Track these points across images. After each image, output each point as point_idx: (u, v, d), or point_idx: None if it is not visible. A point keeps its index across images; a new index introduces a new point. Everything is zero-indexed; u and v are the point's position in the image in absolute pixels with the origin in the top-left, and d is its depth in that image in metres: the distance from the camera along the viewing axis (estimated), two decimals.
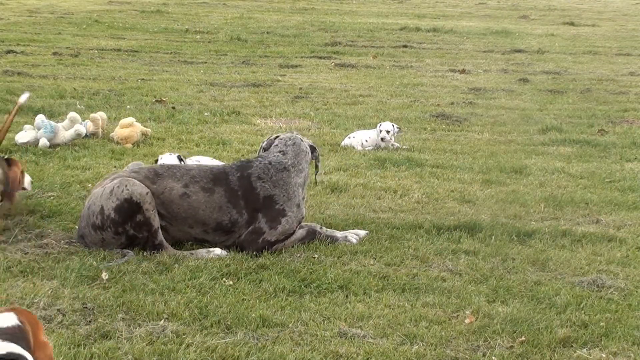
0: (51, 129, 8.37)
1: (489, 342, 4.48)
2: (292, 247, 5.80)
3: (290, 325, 4.58)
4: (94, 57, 15.23)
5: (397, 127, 9.10)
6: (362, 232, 6.09)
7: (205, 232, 5.68)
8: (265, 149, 6.03)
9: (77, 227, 5.78)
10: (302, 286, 5.12)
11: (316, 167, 6.17)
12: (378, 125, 9.12)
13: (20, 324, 2.92)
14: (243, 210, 5.69)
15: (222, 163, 6.76)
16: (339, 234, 6.00)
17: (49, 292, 4.84)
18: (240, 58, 15.78)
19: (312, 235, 5.90)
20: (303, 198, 5.94)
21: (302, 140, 6.00)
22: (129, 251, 5.51)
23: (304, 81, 13.46)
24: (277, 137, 6.06)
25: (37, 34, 18.31)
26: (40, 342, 3.00)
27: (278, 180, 5.75)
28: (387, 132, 8.93)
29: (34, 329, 2.99)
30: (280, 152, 5.88)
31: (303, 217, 5.93)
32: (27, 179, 6.24)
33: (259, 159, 5.88)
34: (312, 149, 6.08)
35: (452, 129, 10.19)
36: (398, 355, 4.30)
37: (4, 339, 2.81)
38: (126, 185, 5.47)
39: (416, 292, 5.11)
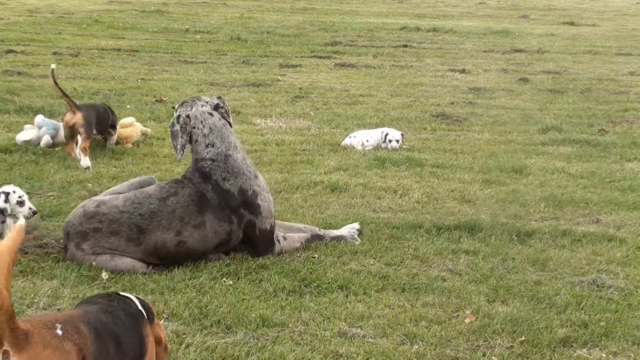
0: (53, 127, 8.40)
1: (489, 342, 4.48)
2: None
3: (290, 325, 4.58)
4: (94, 57, 15.24)
5: (402, 134, 9.11)
6: (356, 225, 6.13)
7: (205, 253, 5.58)
8: (189, 135, 5.70)
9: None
10: (302, 286, 5.12)
11: (229, 123, 5.88)
12: (382, 131, 9.08)
13: (145, 301, 3.64)
14: (232, 217, 5.61)
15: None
16: (338, 232, 6.00)
17: (49, 292, 4.84)
18: (240, 58, 15.78)
19: (316, 238, 5.90)
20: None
21: (211, 115, 5.75)
22: None
23: (304, 81, 13.46)
24: (187, 118, 5.71)
25: (37, 33, 18.31)
26: (157, 322, 3.62)
27: (233, 169, 5.66)
28: (397, 141, 8.96)
29: (153, 313, 3.65)
30: (208, 145, 5.68)
31: (263, 180, 5.90)
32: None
33: (200, 162, 5.65)
34: (217, 106, 5.81)
35: (452, 128, 10.19)
36: (398, 355, 4.30)
37: (141, 302, 3.57)
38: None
39: (416, 292, 5.11)
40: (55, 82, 8.05)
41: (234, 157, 5.70)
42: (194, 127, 5.71)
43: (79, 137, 7.87)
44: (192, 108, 5.78)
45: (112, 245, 5.33)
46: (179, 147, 5.68)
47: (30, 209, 5.58)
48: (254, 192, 5.67)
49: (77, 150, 7.87)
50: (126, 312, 3.40)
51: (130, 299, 3.54)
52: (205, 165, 5.65)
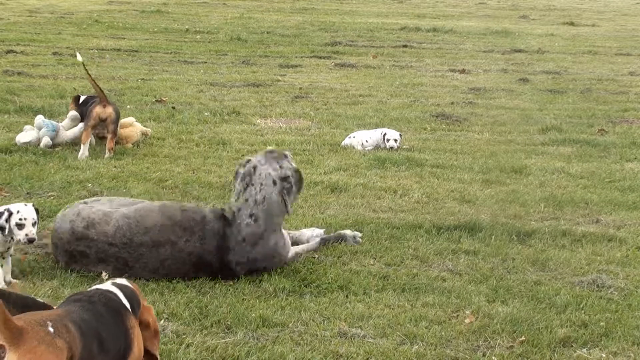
0: (53, 127, 8.40)
1: (489, 342, 4.48)
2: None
3: (290, 325, 4.58)
4: (94, 57, 15.23)
5: (400, 135, 9.12)
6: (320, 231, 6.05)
7: None
8: (246, 186, 5.37)
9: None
10: (302, 286, 5.12)
11: (285, 203, 5.42)
12: (381, 132, 9.09)
13: (132, 288, 3.67)
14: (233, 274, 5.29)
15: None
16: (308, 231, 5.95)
17: (49, 292, 4.84)
18: (240, 58, 15.78)
19: (324, 242, 5.83)
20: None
21: (274, 184, 5.37)
22: None
23: (304, 81, 13.46)
24: (253, 169, 5.38)
25: (37, 34, 18.31)
26: (145, 306, 3.67)
27: (260, 254, 5.31)
28: (395, 140, 8.96)
29: (142, 298, 3.70)
30: (251, 216, 5.31)
31: (290, 243, 5.57)
32: None
33: (233, 227, 5.28)
34: (285, 178, 5.41)
35: (452, 129, 10.19)
36: (398, 355, 4.30)
37: (124, 292, 3.59)
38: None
39: (416, 292, 5.11)
40: (88, 73, 8.30)
41: (267, 240, 5.33)
42: (252, 184, 5.38)
43: (105, 132, 8.27)
44: (265, 162, 5.42)
45: (100, 270, 5.23)
46: (234, 191, 5.43)
47: (26, 235, 4.93)
48: (267, 265, 5.37)
49: (85, 146, 8.11)
50: (107, 307, 3.42)
51: (112, 292, 3.54)
52: (232, 237, 5.27)
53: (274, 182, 5.39)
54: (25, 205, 5.02)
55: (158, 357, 3.70)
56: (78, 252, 5.23)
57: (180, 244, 5.20)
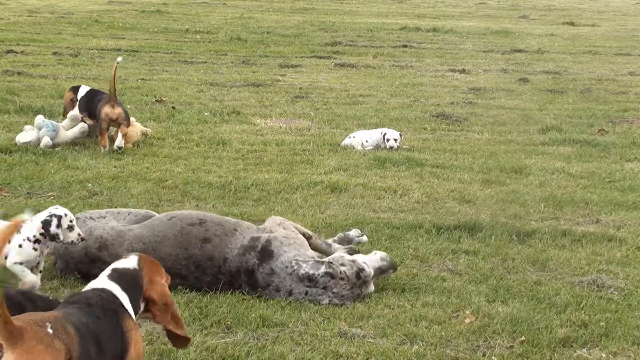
0: (53, 127, 8.40)
1: (489, 342, 4.49)
2: None
3: (290, 325, 4.59)
4: (94, 57, 15.23)
5: (400, 134, 9.12)
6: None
7: None
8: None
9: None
10: None
11: None
12: (381, 131, 9.08)
13: (137, 267, 3.61)
14: None
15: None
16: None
17: (49, 293, 4.84)
18: (240, 58, 15.77)
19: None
20: None
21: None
22: None
23: (304, 81, 13.46)
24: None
25: (37, 34, 18.30)
26: (154, 281, 3.63)
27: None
28: (395, 140, 8.95)
29: (151, 273, 3.64)
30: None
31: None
32: None
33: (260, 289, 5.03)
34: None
35: (452, 129, 10.19)
36: (398, 355, 4.30)
37: (120, 284, 3.52)
38: None
39: (416, 292, 5.11)
40: (114, 75, 8.37)
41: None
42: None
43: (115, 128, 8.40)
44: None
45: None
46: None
47: (79, 235, 4.85)
48: None
49: (119, 139, 8.33)
50: (105, 309, 3.40)
51: (109, 291, 3.49)
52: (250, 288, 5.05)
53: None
54: (57, 208, 4.86)
55: (180, 330, 3.62)
56: (92, 275, 5.03)
57: (191, 279, 5.02)
